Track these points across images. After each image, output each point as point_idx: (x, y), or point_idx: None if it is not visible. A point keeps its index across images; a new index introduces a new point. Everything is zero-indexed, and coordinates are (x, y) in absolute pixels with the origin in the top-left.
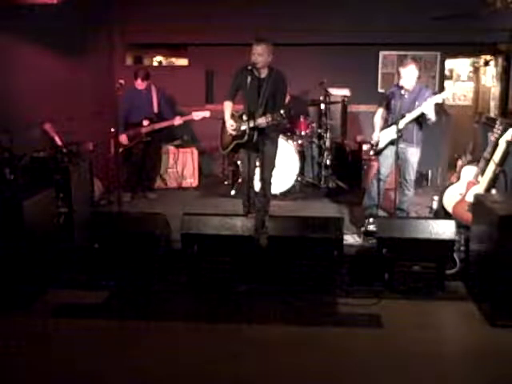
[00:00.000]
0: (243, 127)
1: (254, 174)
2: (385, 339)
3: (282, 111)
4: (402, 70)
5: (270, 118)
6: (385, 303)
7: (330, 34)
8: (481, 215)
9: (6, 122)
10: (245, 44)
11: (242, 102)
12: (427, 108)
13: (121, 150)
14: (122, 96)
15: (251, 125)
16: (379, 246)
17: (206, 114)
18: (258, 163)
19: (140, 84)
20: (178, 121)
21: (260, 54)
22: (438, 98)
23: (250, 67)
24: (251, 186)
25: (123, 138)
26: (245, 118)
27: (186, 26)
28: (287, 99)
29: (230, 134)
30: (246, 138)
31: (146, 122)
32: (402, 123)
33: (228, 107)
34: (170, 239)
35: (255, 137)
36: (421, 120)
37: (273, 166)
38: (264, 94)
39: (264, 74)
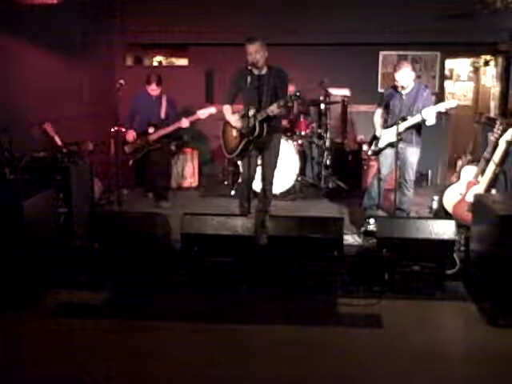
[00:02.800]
0: (252, 122)
1: (255, 174)
2: (385, 339)
3: (293, 95)
4: (397, 75)
5: (282, 103)
6: (385, 303)
7: (330, 34)
8: (481, 215)
9: (6, 122)
10: (245, 44)
11: (242, 104)
12: (429, 115)
13: (130, 162)
14: (131, 98)
15: (262, 116)
16: (379, 246)
17: (212, 110)
18: (259, 163)
19: (154, 89)
20: (185, 123)
21: (257, 52)
22: (441, 107)
23: (249, 67)
24: (251, 187)
25: (130, 135)
26: (250, 114)
27: (186, 26)
28: (292, 89)
29: (237, 136)
30: (256, 132)
31: (151, 130)
32: (402, 126)
33: (228, 110)
34: (170, 239)
35: (265, 131)
36: (420, 122)
37: (275, 165)
38: (267, 90)
39: (264, 71)
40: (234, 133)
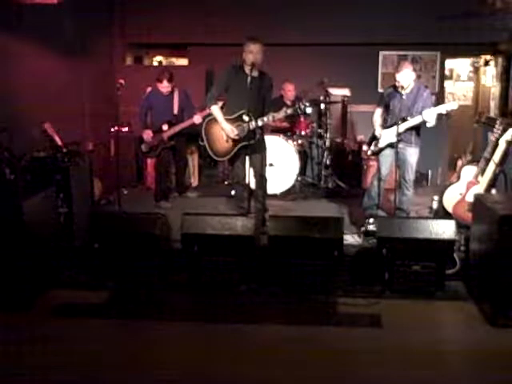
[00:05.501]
0: (251, 127)
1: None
2: (385, 339)
3: (301, 104)
4: (398, 76)
5: (290, 111)
6: (385, 303)
7: (330, 33)
8: (481, 215)
9: (6, 122)
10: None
11: (226, 101)
12: (429, 116)
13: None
14: (144, 97)
15: (263, 122)
16: (379, 246)
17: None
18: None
19: (166, 86)
20: (198, 119)
21: (258, 53)
22: (443, 109)
23: (249, 67)
24: (249, 186)
25: (147, 134)
26: (246, 118)
27: (186, 26)
28: (291, 88)
29: (228, 140)
30: (256, 138)
31: (165, 127)
32: (402, 127)
33: (218, 112)
34: (170, 239)
35: (258, 135)
36: (421, 124)
37: (265, 159)
38: (259, 93)
39: (255, 73)
40: (225, 136)
